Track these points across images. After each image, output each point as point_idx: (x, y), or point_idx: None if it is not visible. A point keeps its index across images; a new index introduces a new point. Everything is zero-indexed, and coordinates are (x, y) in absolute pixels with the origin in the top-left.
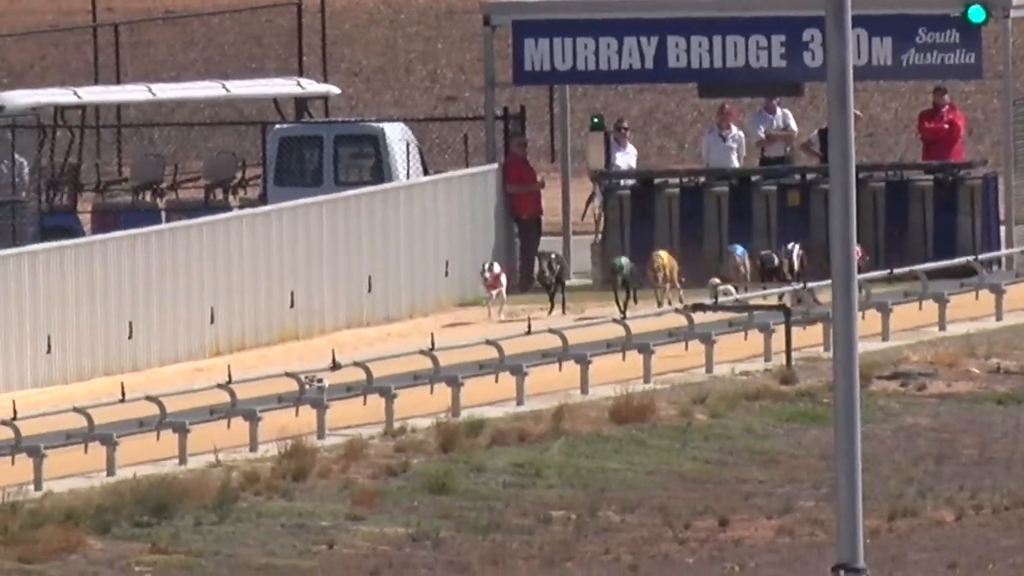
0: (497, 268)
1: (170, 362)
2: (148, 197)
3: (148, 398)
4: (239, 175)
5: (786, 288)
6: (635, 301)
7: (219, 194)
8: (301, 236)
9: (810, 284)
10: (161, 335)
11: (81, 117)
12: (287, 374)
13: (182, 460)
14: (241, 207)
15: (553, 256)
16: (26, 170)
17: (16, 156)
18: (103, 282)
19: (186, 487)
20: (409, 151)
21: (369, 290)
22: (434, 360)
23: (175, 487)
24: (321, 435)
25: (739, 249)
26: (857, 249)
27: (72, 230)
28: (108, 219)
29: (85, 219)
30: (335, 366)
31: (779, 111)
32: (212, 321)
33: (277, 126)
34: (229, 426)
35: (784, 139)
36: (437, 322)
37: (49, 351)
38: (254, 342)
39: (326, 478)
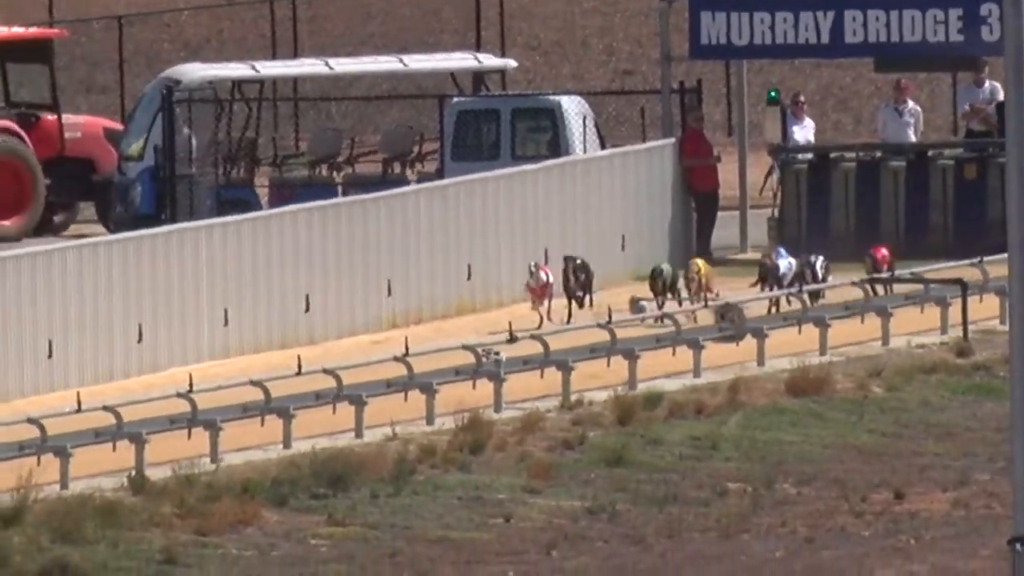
0: (544, 276)
1: (347, 335)
2: (325, 171)
3: (325, 371)
4: (416, 149)
5: (714, 303)
6: (679, 304)
7: (396, 168)
8: (478, 209)
9: (735, 299)
10: (338, 308)
11: (258, 91)
12: (464, 347)
13: (358, 433)
14: (418, 181)
15: (579, 261)
16: (193, 144)
17: (185, 130)
18: (280, 255)
19: (363, 460)
20: (586, 125)
21: (546, 262)
22: (611, 333)
23: (351, 460)
24: (498, 408)
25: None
26: (883, 251)
27: (249, 204)
28: (285, 193)
29: (262, 193)
30: (512, 339)
31: (987, 84)
32: (389, 294)
33: (455, 100)
34: (406, 399)
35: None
36: (613, 296)
37: (226, 324)
38: (431, 315)
39: (503, 451)
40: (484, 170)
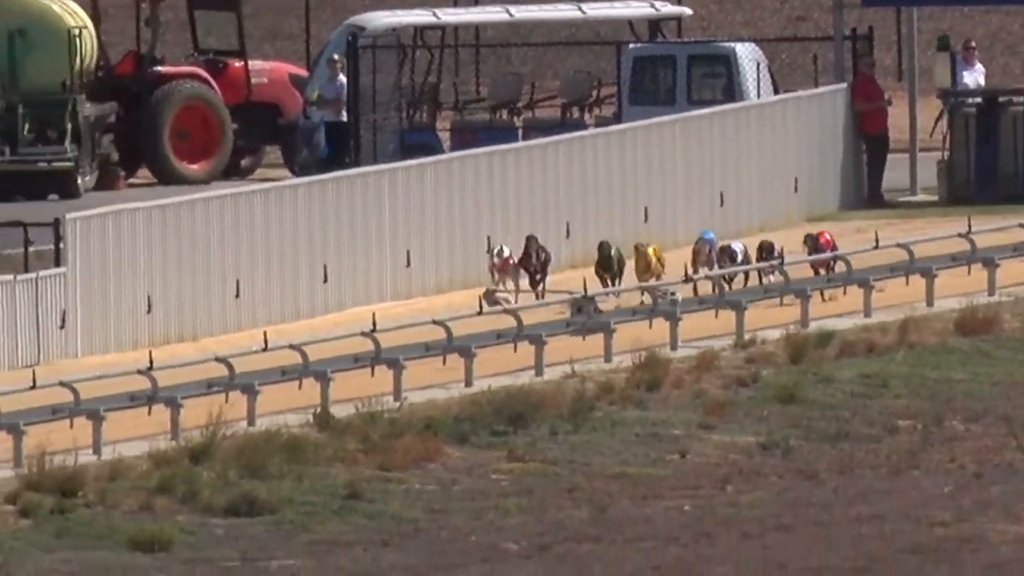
0: (507, 251)
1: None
2: (505, 115)
3: (506, 311)
4: (594, 94)
5: (567, 296)
6: (619, 283)
7: (575, 112)
8: (655, 153)
9: (592, 293)
10: (516, 248)
11: (440, 38)
12: (641, 287)
13: (538, 371)
14: (596, 125)
15: (539, 245)
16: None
17: (340, 77)
18: (461, 198)
19: (542, 397)
20: (759, 71)
21: (721, 204)
22: (784, 275)
23: (531, 397)
24: (674, 346)
25: (708, 234)
26: (826, 235)
27: (431, 147)
28: (466, 136)
29: (444, 137)
30: (687, 279)
31: None
32: (568, 235)
33: (632, 46)
34: (584, 338)
35: None
36: (787, 236)
37: (408, 265)
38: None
39: (678, 388)
40: (660, 115)
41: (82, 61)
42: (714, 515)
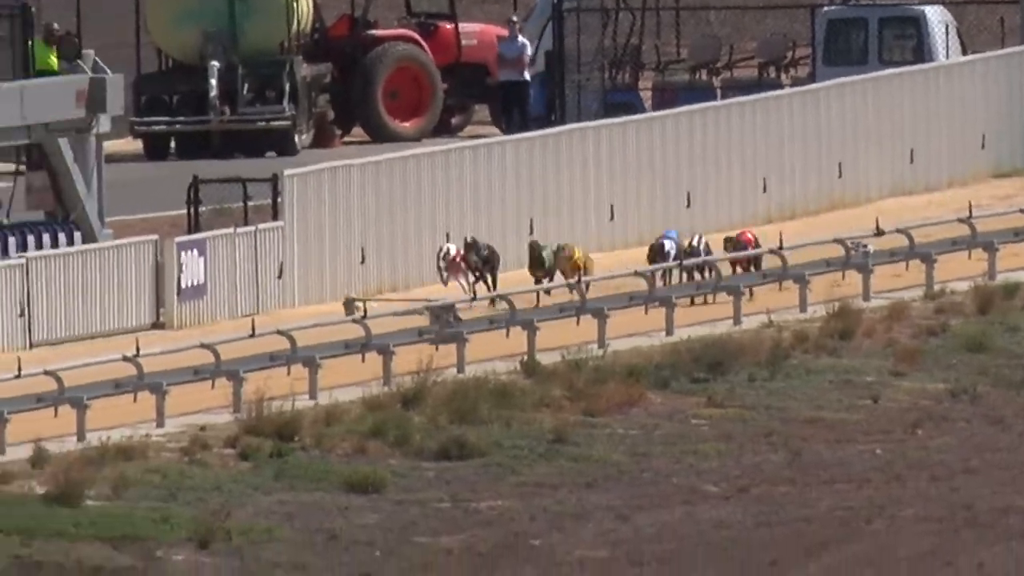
0: (453, 250)
1: (725, 229)
2: (704, 75)
3: (705, 262)
4: (790, 55)
5: (432, 303)
6: (551, 279)
7: (771, 72)
8: (848, 111)
9: (451, 300)
10: (716, 204)
11: (642, 1)
12: (835, 240)
13: (736, 320)
14: (792, 84)
15: (481, 245)
16: (528, 51)
17: (520, 38)
18: (662, 155)
19: (740, 345)
20: (948, 32)
21: (911, 161)
22: (971, 227)
23: (730, 346)
24: (866, 297)
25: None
26: (748, 234)
27: (634, 106)
28: (667, 96)
29: (646, 96)
30: (879, 232)
31: None
32: (764, 191)
33: (826, 9)
34: (780, 288)
35: None
36: (974, 192)
37: (612, 219)
38: (803, 210)
39: (870, 337)
40: (853, 74)
41: (299, 24)
42: (904, 458)
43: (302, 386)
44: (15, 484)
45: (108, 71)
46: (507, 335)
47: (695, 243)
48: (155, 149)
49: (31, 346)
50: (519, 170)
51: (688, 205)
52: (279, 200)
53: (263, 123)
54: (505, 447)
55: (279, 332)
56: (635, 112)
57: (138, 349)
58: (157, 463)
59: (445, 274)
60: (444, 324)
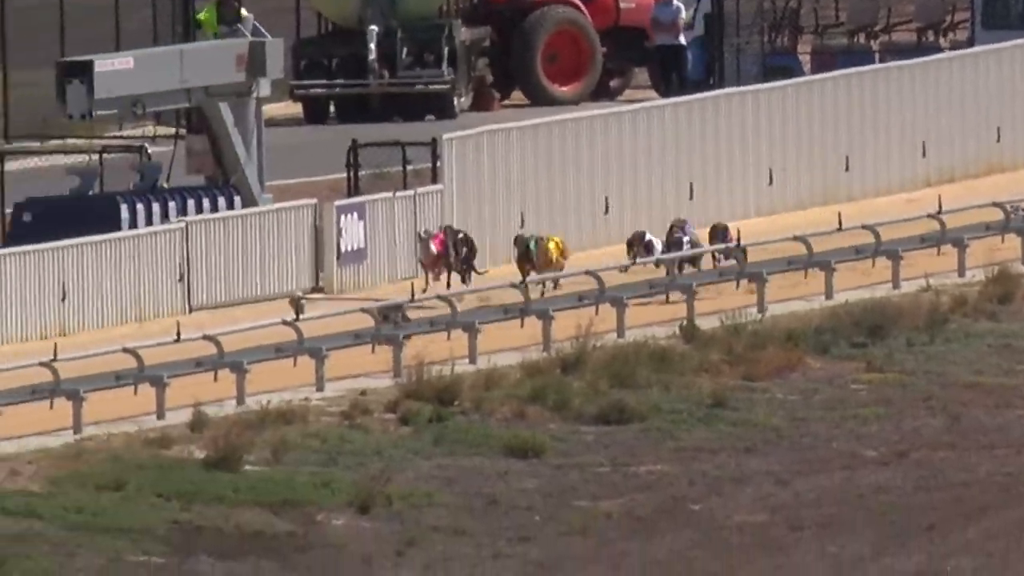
0: (434, 248)
1: (883, 193)
2: (863, 39)
3: (864, 227)
4: (949, 18)
5: (386, 302)
6: (537, 272)
7: (930, 36)
8: (1007, 76)
9: (401, 300)
10: (875, 168)
11: None
12: (994, 204)
13: (895, 284)
14: (951, 49)
15: (460, 235)
16: (682, 15)
17: (674, 2)
18: (821, 118)
19: (899, 310)
20: None
21: None
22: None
23: (888, 310)
24: None
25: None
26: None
27: (792, 70)
28: (825, 60)
29: (804, 60)
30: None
31: None
32: (923, 155)
33: None
34: (939, 252)
35: None
36: None
37: (770, 183)
38: (962, 174)
39: None
40: (1012, 39)
41: None
42: None
43: (462, 350)
44: (174, 449)
45: (267, 35)
46: (666, 299)
47: (678, 234)
48: (314, 113)
49: (190, 310)
50: (678, 134)
51: (847, 169)
52: (438, 164)
53: (422, 87)
54: (664, 411)
55: (438, 297)
56: (793, 76)
57: (298, 313)
58: (317, 427)
59: (426, 269)
60: (394, 323)
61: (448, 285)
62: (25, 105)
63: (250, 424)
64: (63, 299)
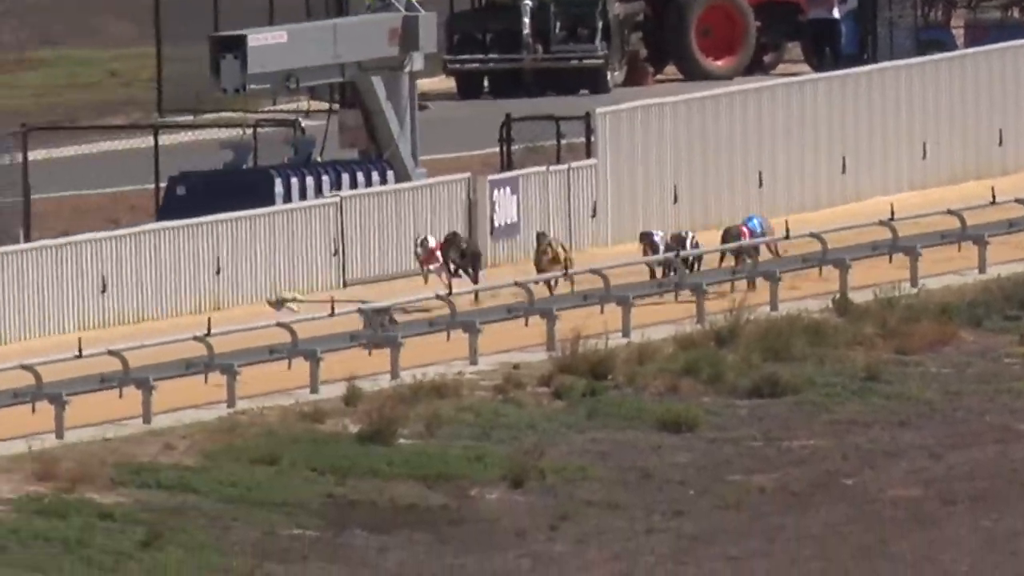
0: (432, 242)
1: None
2: (1016, 13)
3: (1017, 201)
4: None
5: (369, 305)
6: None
7: None
8: None
9: (389, 303)
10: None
11: None
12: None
13: None
14: None
15: (464, 245)
16: None
17: None
18: (975, 93)
19: None
20: None
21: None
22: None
23: None
24: None
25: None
26: (744, 229)
27: (945, 44)
28: (978, 34)
29: (958, 34)
30: None
31: None
32: None
33: None
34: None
35: None
36: None
37: (924, 157)
38: None
39: None
40: None
41: None
42: None
43: (615, 324)
44: (328, 423)
45: (421, 9)
46: (820, 273)
47: (683, 235)
48: (468, 87)
49: (344, 284)
50: (831, 108)
51: (1000, 143)
52: (592, 138)
53: (576, 61)
54: (818, 385)
55: (592, 271)
56: (946, 50)
57: (450, 289)
58: (470, 401)
59: (423, 267)
60: (378, 327)
61: (449, 291)
62: (179, 80)
63: (404, 398)
64: (217, 272)
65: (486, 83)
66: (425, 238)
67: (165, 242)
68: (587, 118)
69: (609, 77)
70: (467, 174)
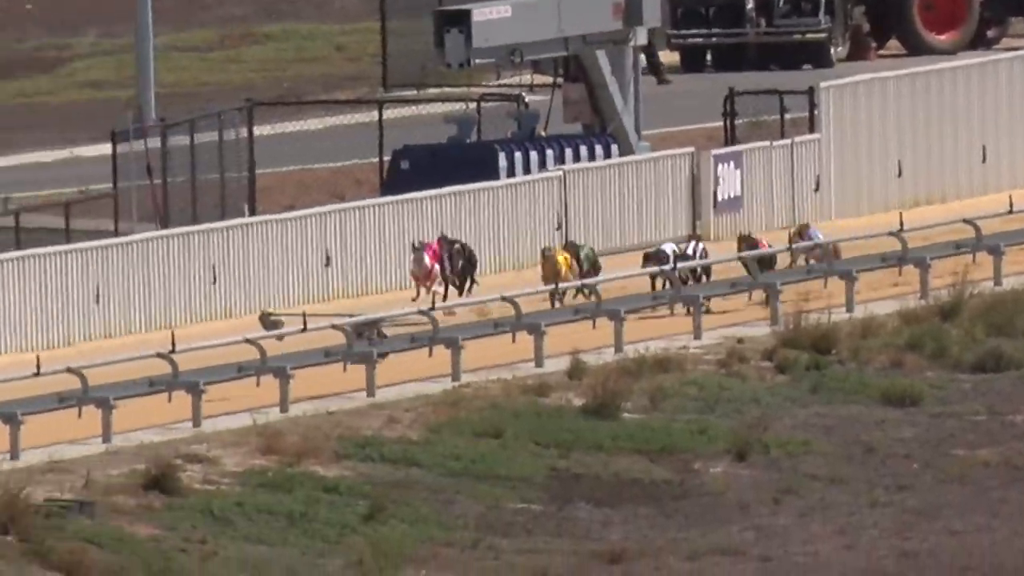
0: (427, 260)
1: None
2: None
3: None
4: None
5: (360, 318)
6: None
7: None
8: None
9: (380, 315)
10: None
11: None
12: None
13: None
14: None
15: (457, 246)
16: None
17: None
18: None
19: None
20: None
21: None
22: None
23: None
24: None
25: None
26: (762, 241)
27: None
28: None
29: None
30: None
31: None
32: None
33: None
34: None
35: None
36: None
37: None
38: None
39: None
40: None
41: None
42: None
43: (839, 299)
44: (552, 396)
45: None
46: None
47: (689, 250)
48: (691, 61)
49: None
50: None
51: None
52: (815, 113)
53: (799, 35)
54: None
55: (815, 246)
56: None
57: (675, 264)
58: (694, 375)
59: (417, 281)
60: (369, 339)
61: (444, 298)
62: (404, 54)
63: (628, 372)
64: None
65: (709, 57)
66: (421, 254)
67: (389, 216)
68: (810, 92)
69: (832, 51)
70: (691, 148)
